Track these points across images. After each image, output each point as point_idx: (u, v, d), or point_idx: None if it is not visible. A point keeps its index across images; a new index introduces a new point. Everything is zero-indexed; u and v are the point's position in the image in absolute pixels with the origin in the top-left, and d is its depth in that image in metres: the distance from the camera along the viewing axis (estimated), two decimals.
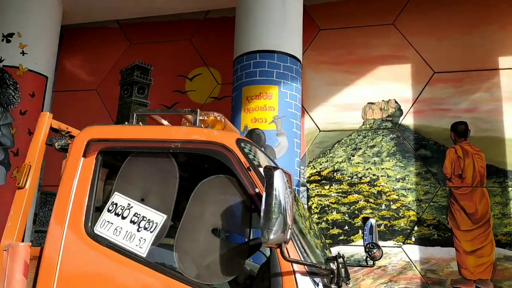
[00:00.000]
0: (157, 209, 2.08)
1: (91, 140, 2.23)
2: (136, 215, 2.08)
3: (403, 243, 5.48)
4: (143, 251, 2.01)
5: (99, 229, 2.09)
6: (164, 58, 6.89)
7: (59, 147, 2.37)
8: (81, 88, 7.02)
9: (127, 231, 2.06)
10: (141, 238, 2.04)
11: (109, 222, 2.09)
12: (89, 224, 2.09)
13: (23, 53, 5.53)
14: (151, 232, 2.04)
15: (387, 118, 5.89)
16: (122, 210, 2.10)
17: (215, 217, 2.04)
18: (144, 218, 2.07)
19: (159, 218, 2.06)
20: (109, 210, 2.11)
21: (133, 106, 6.81)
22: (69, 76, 7.03)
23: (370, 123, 5.93)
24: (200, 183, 2.06)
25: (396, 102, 5.92)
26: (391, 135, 5.84)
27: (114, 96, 6.96)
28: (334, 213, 5.74)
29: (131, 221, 2.07)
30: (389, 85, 5.97)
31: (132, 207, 2.10)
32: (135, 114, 2.39)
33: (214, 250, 1.98)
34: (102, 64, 7.07)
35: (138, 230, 2.05)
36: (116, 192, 2.14)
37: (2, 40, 5.50)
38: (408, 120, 5.82)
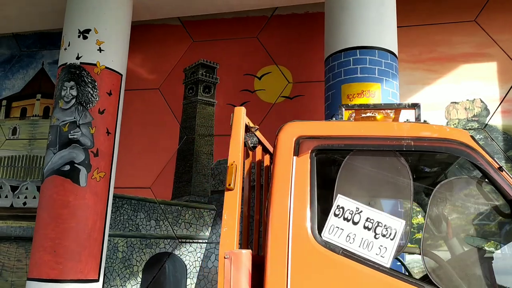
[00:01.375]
0: (391, 213, 1.87)
1: (300, 137, 2.02)
2: (369, 220, 1.87)
3: None
4: (385, 261, 1.80)
5: (328, 236, 1.88)
6: (229, 56, 6.68)
7: (252, 145, 2.16)
8: (144, 87, 6.81)
9: (362, 238, 1.85)
10: (381, 246, 1.83)
11: (338, 227, 1.88)
12: (317, 230, 1.87)
13: (100, 50, 5.32)
14: (391, 239, 1.82)
15: (473, 118, 5.69)
16: (351, 214, 1.89)
17: (465, 222, 1.83)
18: (380, 224, 1.86)
19: (397, 224, 1.84)
20: (335, 215, 1.90)
21: (199, 106, 6.60)
22: (133, 75, 6.81)
23: (455, 123, 5.72)
24: (439, 185, 1.85)
25: (481, 101, 5.71)
26: (478, 135, 5.64)
27: (177, 95, 6.75)
28: None
29: (365, 227, 1.86)
30: (473, 84, 5.76)
31: (361, 211, 1.89)
32: (343, 109, 2.16)
33: (471, 260, 1.77)
34: (164, 63, 6.86)
35: (375, 237, 1.84)
36: (339, 195, 1.93)
37: (79, 37, 5.29)
38: (495, 120, 5.62)
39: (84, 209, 4.89)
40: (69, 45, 5.31)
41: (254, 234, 2.80)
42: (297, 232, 1.86)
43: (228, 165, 2.03)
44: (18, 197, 6.82)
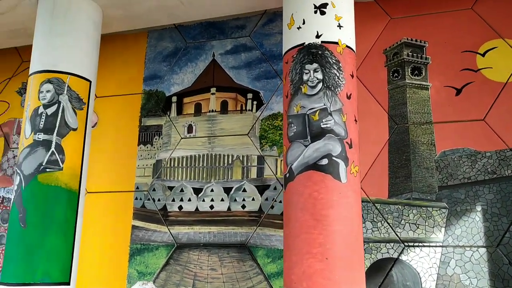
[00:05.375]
0: None
1: None
2: None
3: None
4: None
5: None
6: (439, 32, 5.87)
7: None
8: None
9: None
10: None
11: None
12: None
13: (339, 26, 4.61)
14: None
15: None
16: None
17: None
18: None
19: None
20: None
21: (409, 90, 5.82)
22: None
23: None
24: None
25: None
26: None
27: (378, 79, 5.99)
28: None
29: None
30: None
31: None
32: None
33: None
34: (359, 45, 6.11)
35: None
36: None
37: (315, 12, 4.60)
38: None
39: (348, 208, 4.19)
40: (303, 23, 4.63)
41: None
42: None
43: None
44: (203, 200, 6.23)
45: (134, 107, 6.90)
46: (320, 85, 4.42)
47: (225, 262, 5.94)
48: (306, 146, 4.32)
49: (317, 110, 4.36)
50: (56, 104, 5.30)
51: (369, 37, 6.10)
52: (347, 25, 4.70)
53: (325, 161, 4.23)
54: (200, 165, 6.38)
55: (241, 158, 6.23)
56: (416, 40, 5.93)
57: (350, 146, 4.37)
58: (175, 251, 6.16)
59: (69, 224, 5.15)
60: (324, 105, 4.36)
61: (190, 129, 6.56)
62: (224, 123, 6.44)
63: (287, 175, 4.44)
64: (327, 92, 4.40)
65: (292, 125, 4.47)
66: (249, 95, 6.42)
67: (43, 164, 5.09)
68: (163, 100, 6.80)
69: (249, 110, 6.38)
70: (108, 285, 6.21)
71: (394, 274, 5.34)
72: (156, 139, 6.67)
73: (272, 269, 5.74)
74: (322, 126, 4.32)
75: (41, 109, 5.28)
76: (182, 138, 6.56)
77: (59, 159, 5.17)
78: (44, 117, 5.23)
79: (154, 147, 6.65)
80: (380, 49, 6.07)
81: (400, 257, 5.36)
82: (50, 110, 5.27)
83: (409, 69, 5.87)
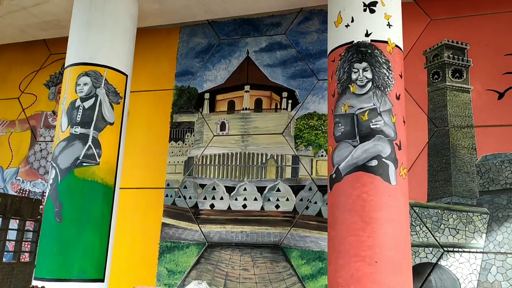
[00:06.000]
0: None
1: None
2: None
3: None
4: None
5: None
6: (481, 34, 5.76)
7: None
8: None
9: None
10: None
11: None
12: None
13: (389, 25, 4.52)
14: None
15: None
16: None
17: None
18: None
19: None
20: None
21: (449, 93, 5.71)
22: None
23: None
24: None
25: None
26: None
27: (418, 81, 5.88)
28: None
29: None
30: None
31: None
32: None
33: None
34: None
35: None
36: None
37: (365, 10, 4.50)
38: None
39: (398, 211, 4.09)
40: (352, 21, 4.54)
41: None
42: None
43: None
44: (236, 199, 6.14)
45: (165, 103, 6.82)
46: (370, 84, 4.33)
47: (258, 262, 5.86)
48: (354, 146, 4.22)
49: (366, 110, 4.27)
50: (94, 98, 5.23)
51: (409, 37, 5.98)
52: (396, 24, 4.60)
53: (374, 162, 4.13)
54: (233, 163, 6.29)
55: (275, 157, 6.14)
56: (457, 42, 5.82)
57: (399, 148, 4.27)
58: (206, 249, 6.08)
59: (104, 220, 5.09)
60: (374, 105, 4.27)
61: (223, 126, 6.48)
62: (258, 121, 6.35)
63: (333, 175, 4.34)
64: (377, 92, 4.30)
65: (340, 124, 4.38)
66: (284, 94, 6.33)
67: (80, 158, 5.02)
68: (195, 96, 6.72)
69: (283, 109, 6.29)
70: (137, 283, 6.14)
71: (433, 279, 5.24)
72: (188, 136, 6.59)
73: (307, 271, 5.65)
74: (371, 126, 4.22)
75: (78, 102, 5.21)
76: (214, 135, 6.47)
77: (95, 154, 5.10)
78: (81, 111, 5.17)
79: (185, 144, 6.58)
80: (419, 50, 5.96)
81: (439, 262, 5.26)
82: (87, 104, 5.21)
83: (449, 71, 5.76)
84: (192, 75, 6.82)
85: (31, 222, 4.35)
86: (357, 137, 4.23)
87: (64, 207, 4.87)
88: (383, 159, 4.14)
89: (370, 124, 4.22)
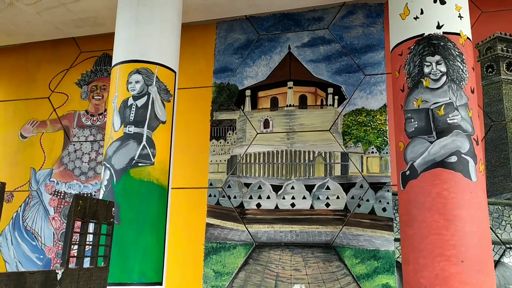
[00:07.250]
0: None
1: None
2: None
3: None
4: None
5: None
6: None
7: None
8: None
9: None
10: None
11: None
12: None
13: (460, 16, 4.38)
14: None
15: None
16: None
17: None
18: None
19: None
20: None
21: (505, 87, 5.60)
22: None
23: None
24: None
25: None
26: None
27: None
28: None
29: None
30: None
31: None
32: None
33: None
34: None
35: None
36: None
37: (435, 2, 4.37)
38: None
39: (480, 208, 3.97)
40: (421, 13, 4.40)
41: None
42: None
43: None
44: (283, 198, 6.00)
45: (204, 101, 6.66)
46: (444, 78, 4.20)
47: (309, 262, 5.72)
48: (431, 142, 4.09)
49: (442, 105, 4.13)
50: (146, 96, 5.06)
51: None
52: (466, 16, 4.47)
53: (454, 159, 4.00)
54: (279, 161, 6.15)
55: (323, 155, 6.01)
56: (510, 35, 5.71)
57: (477, 143, 4.15)
58: (254, 250, 5.94)
59: (161, 222, 4.92)
60: (450, 99, 4.14)
61: (266, 124, 6.33)
62: (303, 118, 6.20)
63: (407, 172, 4.21)
64: (452, 85, 4.17)
65: (412, 120, 4.24)
66: (330, 90, 6.19)
67: (135, 158, 4.85)
68: (236, 93, 6.56)
69: (330, 105, 6.15)
70: (183, 286, 5.98)
71: (496, 277, 5.12)
72: (229, 134, 6.44)
73: (362, 270, 5.52)
74: (448, 121, 4.09)
75: (130, 101, 5.04)
76: (258, 133, 6.32)
77: (150, 153, 4.93)
78: (134, 109, 4.99)
79: (227, 142, 6.42)
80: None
81: (501, 260, 5.15)
82: (140, 102, 5.03)
83: (504, 65, 5.65)
84: (231, 71, 6.66)
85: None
86: (434, 133, 4.10)
87: (122, 209, 4.70)
88: (463, 155, 4.01)
89: (447, 119, 4.09)
